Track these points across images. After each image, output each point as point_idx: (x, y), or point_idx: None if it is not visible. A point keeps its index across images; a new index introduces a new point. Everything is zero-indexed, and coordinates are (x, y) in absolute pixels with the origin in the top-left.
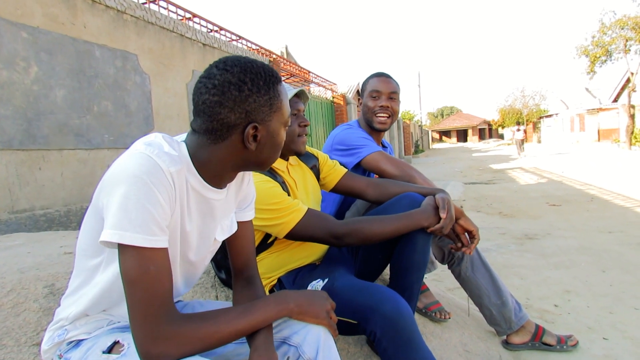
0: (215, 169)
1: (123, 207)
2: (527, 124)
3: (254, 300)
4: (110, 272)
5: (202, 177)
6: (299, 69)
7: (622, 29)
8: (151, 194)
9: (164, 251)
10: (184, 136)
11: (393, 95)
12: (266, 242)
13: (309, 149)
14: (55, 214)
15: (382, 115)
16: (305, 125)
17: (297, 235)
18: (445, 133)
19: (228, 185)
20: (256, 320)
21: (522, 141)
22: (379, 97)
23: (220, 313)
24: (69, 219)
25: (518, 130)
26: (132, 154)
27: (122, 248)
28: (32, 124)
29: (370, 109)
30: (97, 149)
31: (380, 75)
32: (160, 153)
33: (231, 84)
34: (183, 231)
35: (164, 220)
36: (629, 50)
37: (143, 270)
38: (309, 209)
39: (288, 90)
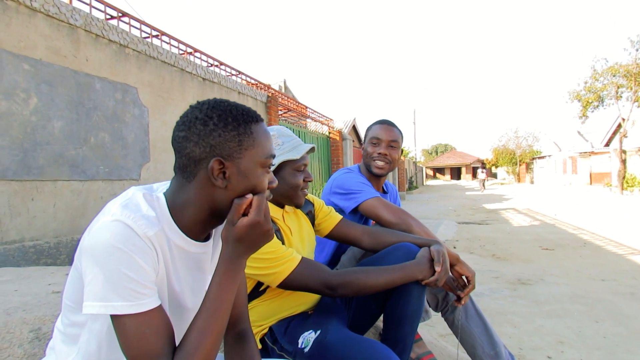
0: (192, 214)
1: (105, 279)
2: (520, 165)
3: None
4: (97, 330)
5: (184, 232)
6: (297, 104)
7: (614, 76)
8: (131, 260)
9: (156, 310)
10: (167, 184)
11: (393, 143)
12: (258, 290)
13: None
14: (44, 245)
15: (379, 161)
16: (309, 181)
17: (290, 285)
18: (439, 170)
19: (214, 235)
20: None
21: (484, 180)
22: (379, 144)
23: None
24: (59, 251)
25: (482, 172)
26: (108, 223)
27: (114, 317)
28: (27, 154)
29: (369, 155)
30: (92, 181)
31: (382, 123)
32: (136, 217)
33: (197, 119)
34: (172, 291)
35: (149, 281)
36: (621, 96)
37: (139, 336)
38: (303, 258)
39: (302, 146)
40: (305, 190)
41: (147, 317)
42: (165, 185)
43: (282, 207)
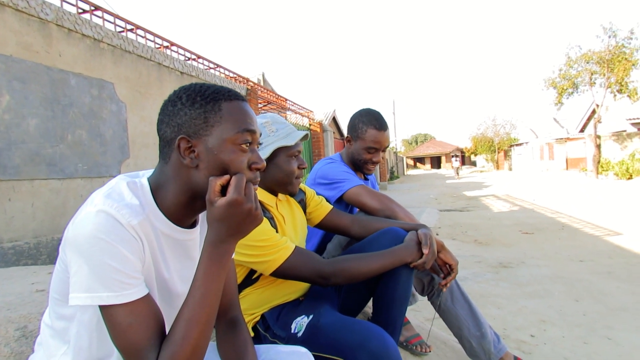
0: (173, 196)
1: (90, 270)
2: (498, 152)
3: None
4: (86, 321)
5: (169, 217)
6: (276, 96)
7: (588, 62)
8: (115, 251)
9: (143, 299)
10: (153, 170)
11: (386, 147)
12: (251, 278)
13: None
14: (24, 246)
15: (372, 166)
16: (304, 168)
17: (283, 273)
18: (420, 160)
19: (201, 222)
20: None
21: (458, 168)
22: (377, 152)
23: None
24: (39, 251)
25: (456, 160)
26: (91, 213)
27: (102, 308)
28: (2, 153)
29: (365, 160)
30: (70, 179)
31: (381, 129)
32: (119, 206)
33: (169, 101)
34: (161, 279)
35: (134, 271)
36: (594, 83)
37: (126, 326)
38: (296, 247)
39: (296, 132)
40: (300, 178)
41: (134, 307)
42: (150, 171)
43: (276, 195)
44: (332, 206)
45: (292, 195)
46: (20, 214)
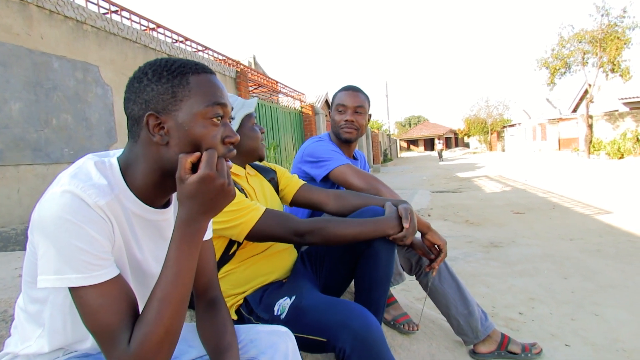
0: (143, 176)
1: (57, 252)
2: (491, 133)
3: None
4: (60, 303)
5: (140, 197)
6: (267, 79)
7: (580, 42)
8: (82, 232)
9: (113, 280)
10: (121, 151)
11: (359, 109)
12: (228, 253)
13: (266, 163)
14: (11, 232)
15: (347, 129)
16: (264, 132)
17: (257, 234)
18: (413, 142)
19: (174, 201)
20: None
21: (441, 150)
22: (345, 111)
23: None
24: (27, 237)
25: (439, 143)
26: (56, 194)
27: (72, 290)
28: None
29: (336, 123)
30: (57, 164)
31: (347, 89)
32: (85, 186)
33: (135, 77)
34: (133, 260)
35: (103, 252)
36: (587, 62)
37: (96, 308)
38: (267, 208)
39: (249, 100)
40: (264, 142)
41: (104, 288)
42: (121, 150)
43: (244, 168)
44: (303, 182)
45: (261, 159)
46: (5, 200)
